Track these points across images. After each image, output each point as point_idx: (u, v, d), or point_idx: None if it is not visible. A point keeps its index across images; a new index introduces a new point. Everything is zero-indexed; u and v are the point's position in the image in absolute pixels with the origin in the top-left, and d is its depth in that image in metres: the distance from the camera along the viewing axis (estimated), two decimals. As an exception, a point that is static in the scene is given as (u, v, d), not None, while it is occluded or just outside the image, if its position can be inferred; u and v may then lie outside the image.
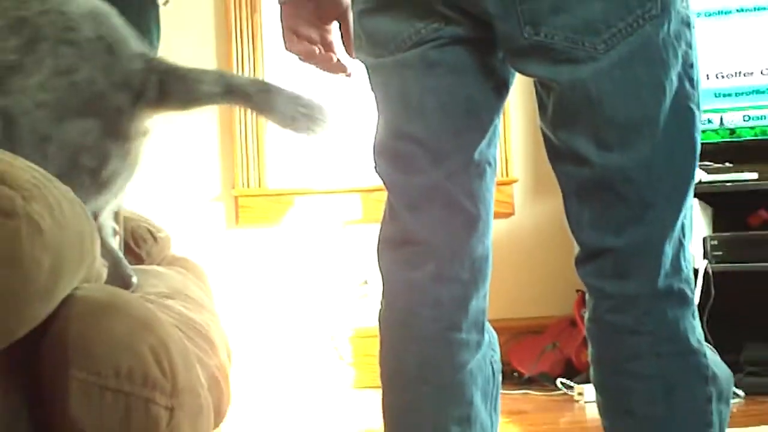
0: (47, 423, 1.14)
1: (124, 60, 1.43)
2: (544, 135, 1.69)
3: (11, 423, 1.13)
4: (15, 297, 1.07)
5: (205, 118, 4.52)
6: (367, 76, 1.76)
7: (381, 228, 1.80)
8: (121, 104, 1.42)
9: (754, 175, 4.27)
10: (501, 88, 1.74)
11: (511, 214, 4.77)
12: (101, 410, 1.13)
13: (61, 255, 1.11)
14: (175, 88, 1.46)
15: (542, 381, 4.37)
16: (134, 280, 1.78)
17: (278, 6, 1.83)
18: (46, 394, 1.14)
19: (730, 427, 1.72)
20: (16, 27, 1.40)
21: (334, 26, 1.85)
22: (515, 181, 4.80)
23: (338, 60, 1.87)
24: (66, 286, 1.15)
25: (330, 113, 1.60)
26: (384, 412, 1.80)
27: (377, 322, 1.81)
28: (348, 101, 4.30)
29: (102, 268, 1.55)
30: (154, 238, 2.63)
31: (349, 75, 1.88)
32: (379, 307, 1.81)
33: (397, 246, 1.77)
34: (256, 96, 1.49)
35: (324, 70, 1.89)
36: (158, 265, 2.49)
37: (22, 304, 1.08)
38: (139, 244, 2.52)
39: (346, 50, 1.86)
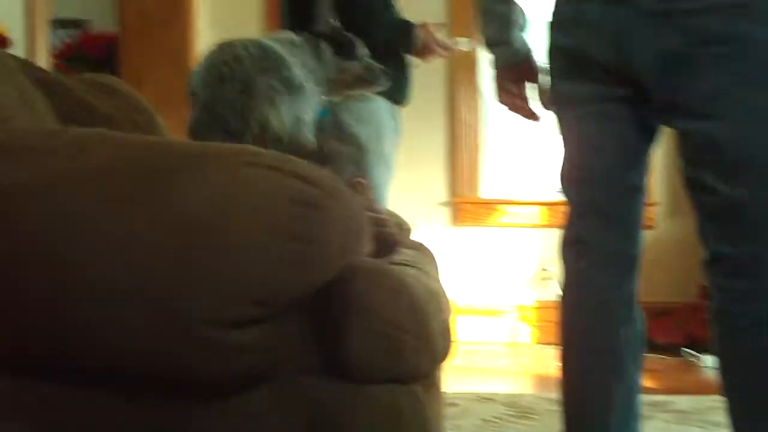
0: (329, 352, 1.17)
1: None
2: (681, 170, 1.67)
3: (307, 352, 1.17)
4: (311, 266, 1.09)
5: (437, 147, 4.59)
6: (557, 122, 1.78)
7: (561, 231, 1.81)
8: None
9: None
10: (651, 134, 1.73)
11: (653, 227, 4.65)
12: (373, 347, 1.16)
13: (346, 238, 1.14)
14: None
15: (672, 349, 4.27)
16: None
17: (492, 70, 1.87)
18: (330, 330, 1.16)
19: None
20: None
21: (528, 85, 1.87)
22: (657, 203, 4.68)
23: (530, 109, 1.90)
24: (347, 258, 1.17)
25: None
26: (561, 363, 1.79)
27: (556, 298, 1.81)
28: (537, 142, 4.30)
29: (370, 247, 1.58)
30: (402, 229, 2.69)
31: (538, 120, 1.90)
32: (558, 287, 1.82)
33: (571, 244, 1.78)
34: None
35: (521, 116, 1.91)
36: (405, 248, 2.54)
37: (317, 271, 1.10)
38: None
39: (541, 102, 1.87)
